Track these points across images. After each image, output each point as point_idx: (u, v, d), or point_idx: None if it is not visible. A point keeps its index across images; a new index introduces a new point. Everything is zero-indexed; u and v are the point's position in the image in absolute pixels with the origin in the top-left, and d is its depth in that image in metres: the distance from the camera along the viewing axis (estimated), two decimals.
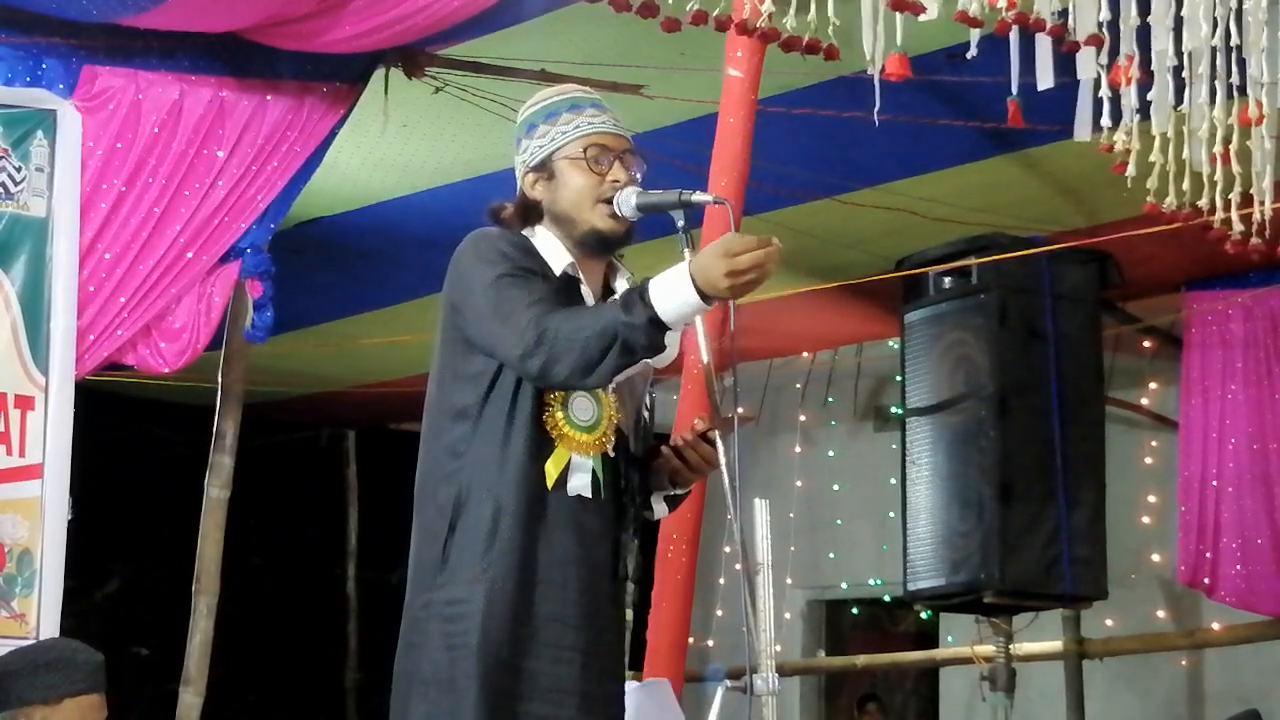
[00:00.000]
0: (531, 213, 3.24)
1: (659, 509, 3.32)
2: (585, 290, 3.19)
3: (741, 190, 5.03)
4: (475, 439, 3.08)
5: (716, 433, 3.10)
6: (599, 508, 3.14)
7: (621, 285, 3.23)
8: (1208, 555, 7.40)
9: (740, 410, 3.09)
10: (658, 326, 2.90)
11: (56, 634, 4.98)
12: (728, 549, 8.47)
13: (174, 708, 5.57)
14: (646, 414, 3.29)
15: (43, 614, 5.01)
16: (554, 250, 3.20)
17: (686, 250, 3.13)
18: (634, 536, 3.22)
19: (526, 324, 2.97)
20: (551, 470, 3.08)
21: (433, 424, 3.17)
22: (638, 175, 3.22)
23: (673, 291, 2.90)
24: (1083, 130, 4.20)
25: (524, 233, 3.23)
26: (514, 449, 3.06)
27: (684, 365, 4.96)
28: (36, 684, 3.88)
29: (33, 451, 5.05)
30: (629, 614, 3.39)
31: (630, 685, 3.97)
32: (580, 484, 3.11)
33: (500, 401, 3.08)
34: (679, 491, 3.30)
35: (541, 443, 3.08)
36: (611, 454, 3.16)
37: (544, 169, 3.23)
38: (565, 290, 3.15)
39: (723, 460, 3.08)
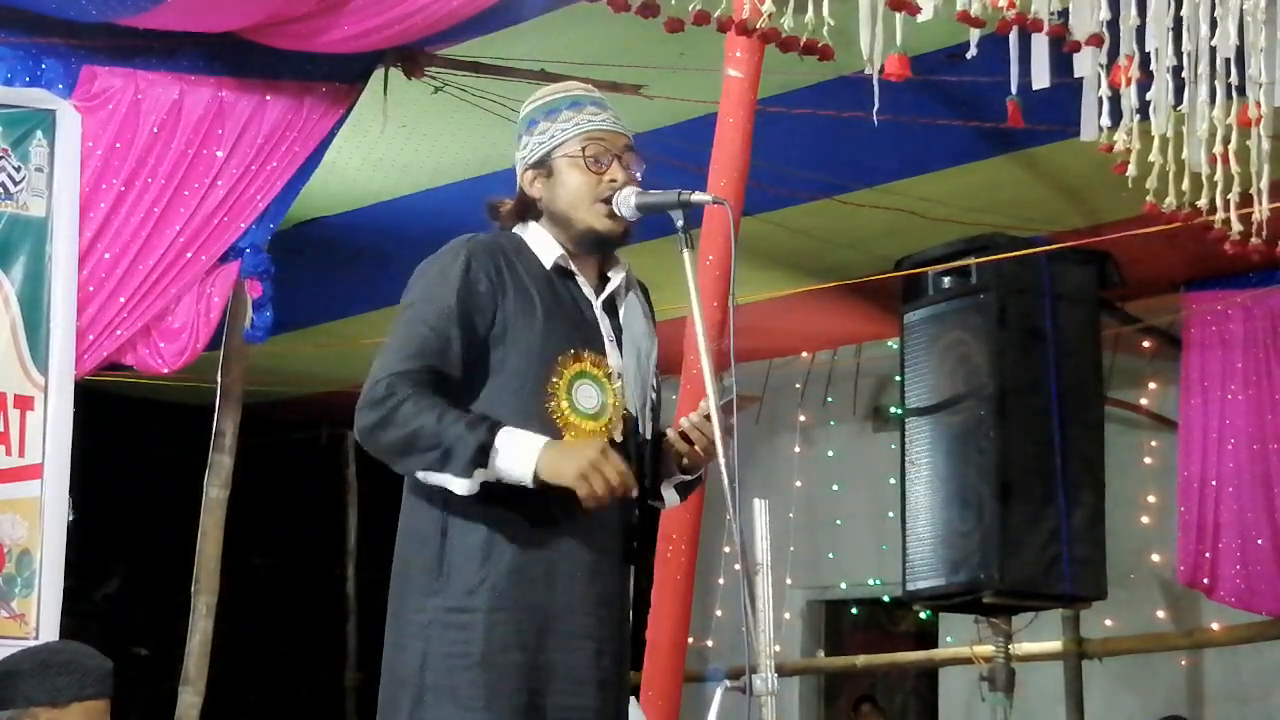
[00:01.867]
0: (529, 210, 3.24)
1: (669, 497, 3.30)
2: (580, 282, 3.20)
3: (741, 190, 5.03)
4: None
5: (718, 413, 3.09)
6: None
7: (617, 277, 3.24)
8: (1207, 555, 7.39)
9: (741, 393, 3.08)
10: (480, 460, 2.91)
11: (56, 634, 4.98)
12: (728, 549, 8.46)
13: (174, 707, 5.57)
14: (653, 395, 3.28)
15: (42, 614, 5.01)
16: (545, 245, 3.20)
17: (685, 251, 3.14)
18: (643, 523, 3.22)
19: (384, 375, 3.00)
20: None
21: None
22: (637, 174, 3.21)
23: (517, 452, 2.94)
24: (1089, 130, 4.19)
25: (516, 229, 3.23)
26: None
27: (684, 365, 4.96)
28: (45, 685, 3.87)
29: (32, 451, 5.05)
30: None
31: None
32: None
33: (500, 395, 3.08)
34: (689, 478, 3.28)
35: (547, 434, 3.05)
36: (619, 439, 3.15)
37: (542, 166, 3.23)
38: (554, 283, 3.15)
39: (722, 460, 3.07)
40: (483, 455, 2.92)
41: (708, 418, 3.12)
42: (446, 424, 2.93)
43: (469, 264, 3.10)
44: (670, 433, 3.22)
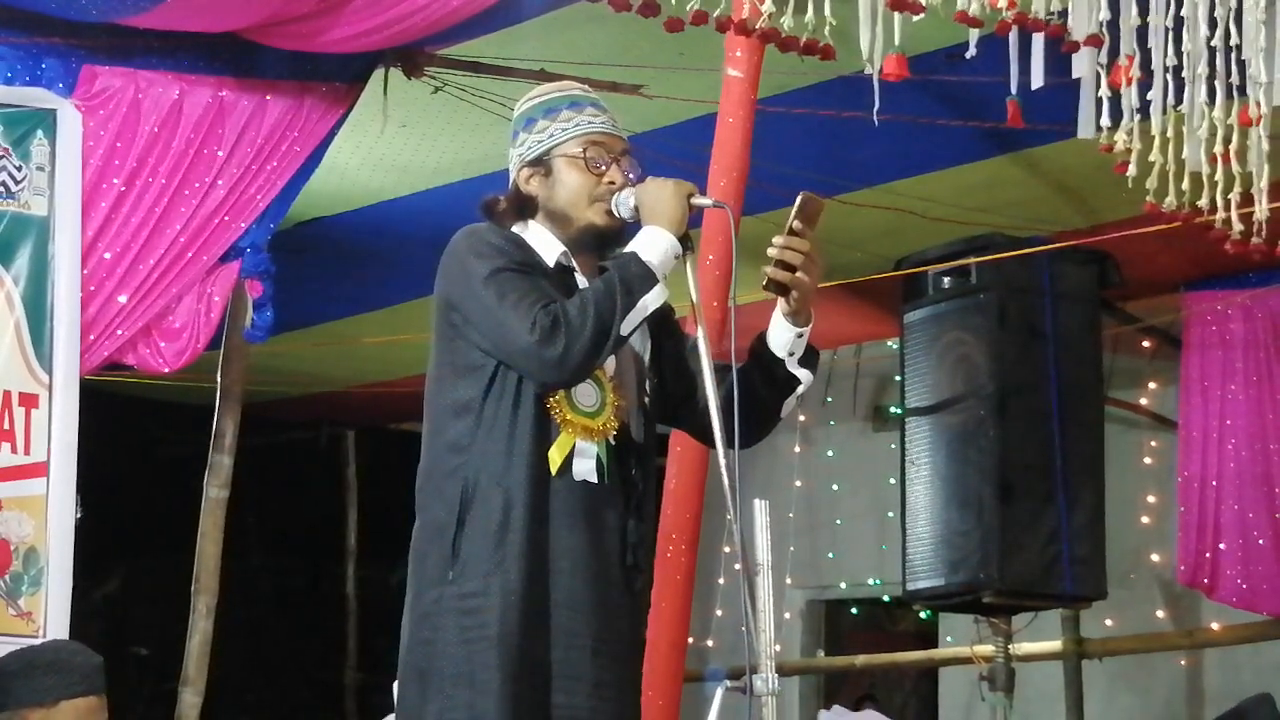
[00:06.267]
0: (525, 207, 3.25)
1: (803, 375, 3.27)
2: (580, 279, 3.20)
3: (741, 190, 5.03)
4: (479, 432, 3.08)
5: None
6: (605, 494, 3.13)
7: None
8: (1207, 555, 7.39)
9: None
10: (645, 269, 3.06)
11: (66, 633, 4.98)
12: (728, 549, 8.46)
13: (174, 707, 5.58)
14: (647, 399, 3.29)
15: (50, 612, 5.01)
16: (546, 243, 3.21)
17: (687, 254, 3.14)
18: (643, 524, 3.21)
19: (538, 311, 3.00)
20: (555, 456, 3.08)
21: (433, 421, 3.17)
22: (633, 178, 3.23)
23: (646, 237, 3.10)
24: (1086, 129, 4.19)
25: (515, 228, 3.24)
26: (520, 439, 3.07)
27: None
28: (33, 686, 3.87)
29: (37, 449, 5.06)
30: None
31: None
32: (585, 469, 3.11)
33: (503, 393, 3.09)
34: (802, 331, 3.23)
35: (546, 430, 3.08)
36: (614, 441, 3.16)
37: (540, 165, 3.24)
38: (560, 280, 3.16)
39: (722, 461, 3.07)
40: (641, 263, 3.06)
41: (793, 231, 3.12)
42: (602, 283, 3.06)
43: (506, 240, 3.16)
44: (767, 270, 3.17)
